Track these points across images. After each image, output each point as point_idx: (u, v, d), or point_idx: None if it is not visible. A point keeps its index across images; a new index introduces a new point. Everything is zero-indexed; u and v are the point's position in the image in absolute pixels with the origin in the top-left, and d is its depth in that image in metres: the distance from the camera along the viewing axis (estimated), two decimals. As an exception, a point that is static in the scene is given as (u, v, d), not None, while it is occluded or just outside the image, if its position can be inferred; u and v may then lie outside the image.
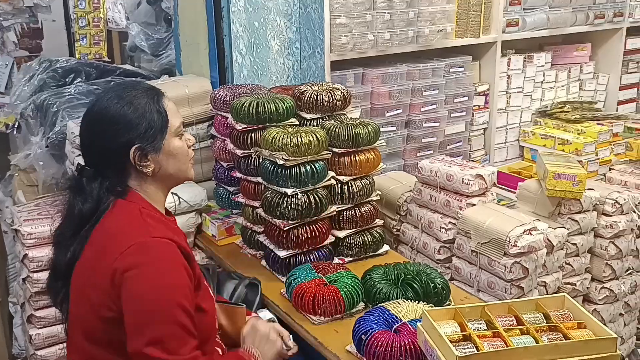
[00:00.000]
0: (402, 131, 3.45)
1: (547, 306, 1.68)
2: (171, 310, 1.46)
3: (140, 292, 1.46)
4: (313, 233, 2.33)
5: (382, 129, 2.74)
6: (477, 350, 1.48)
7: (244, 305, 1.94)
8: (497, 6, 3.67)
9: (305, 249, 2.34)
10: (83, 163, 1.66)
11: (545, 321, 1.63)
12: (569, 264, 2.91)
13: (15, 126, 3.78)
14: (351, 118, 2.59)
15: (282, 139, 2.26)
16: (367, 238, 2.51)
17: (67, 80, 3.70)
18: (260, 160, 2.42)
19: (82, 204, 1.59)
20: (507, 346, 1.49)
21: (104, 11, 4.24)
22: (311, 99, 2.55)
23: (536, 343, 1.51)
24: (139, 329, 1.45)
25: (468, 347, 1.51)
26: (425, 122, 3.48)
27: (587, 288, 3.05)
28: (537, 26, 3.91)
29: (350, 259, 2.48)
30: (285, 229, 2.29)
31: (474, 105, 3.79)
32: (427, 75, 3.49)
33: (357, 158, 2.44)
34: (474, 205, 2.64)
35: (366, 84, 3.32)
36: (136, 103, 1.59)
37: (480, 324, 1.62)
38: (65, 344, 2.58)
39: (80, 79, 3.70)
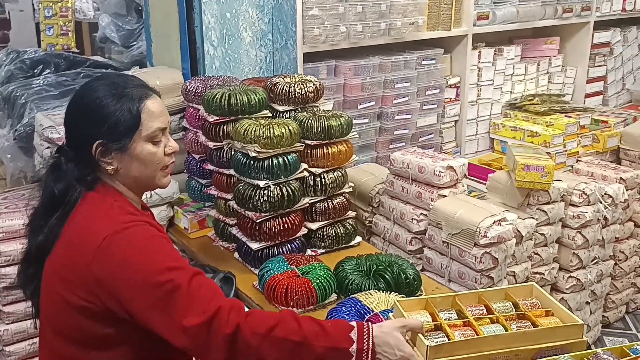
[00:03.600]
0: (374, 123, 3.47)
1: (516, 295, 1.71)
2: (169, 277, 1.42)
3: (134, 281, 1.42)
4: (286, 225, 2.33)
5: (354, 121, 2.75)
6: (448, 340, 1.50)
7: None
8: (468, -1, 3.71)
9: (277, 241, 2.35)
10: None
11: (514, 310, 1.67)
12: (537, 254, 2.97)
13: (-18, 118, 3.70)
14: (324, 110, 2.60)
15: (255, 131, 2.26)
16: (340, 230, 2.52)
17: (35, 71, 3.63)
18: (233, 153, 2.41)
19: (54, 183, 1.56)
20: (477, 335, 1.52)
21: (72, 1, 4.14)
22: (284, 90, 2.55)
23: (505, 331, 1.54)
24: (161, 312, 1.41)
25: (439, 337, 1.53)
26: (398, 115, 3.51)
27: (555, 277, 3.12)
28: (507, 19, 3.96)
29: (323, 250, 2.49)
30: (257, 221, 2.29)
31: (446, 98, 3.82)
32: (399, 68, 3.51)
33: (330, 150, 2.45)
34: (445, 196, 2.67)
35: (339, 76, 3.33)
36: (111, 98, 1.55)
37: (451, 313, 1.65)
38: (34, 340, 2.57)
39: (49, 70, 3.64)
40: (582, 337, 1.55)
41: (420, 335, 1.49)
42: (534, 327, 1.57)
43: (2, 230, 2.51)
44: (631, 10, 4.84)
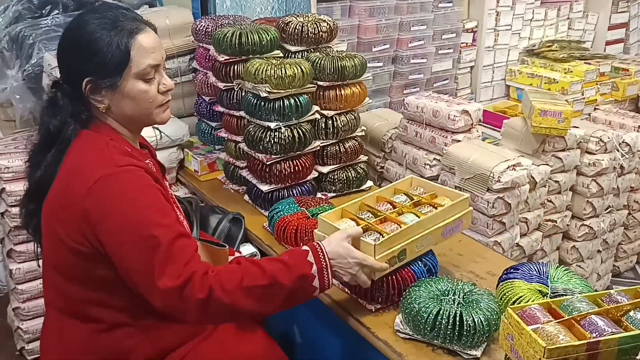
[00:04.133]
0: (388, 67, 3.40)
1: (403, 188, 1.97)
2: (153, 233, 1.40)
3: (118, 229, 1.40)
4: (296, 168, 2.30)
5: (368, 65, 2.68)
6: (382, 236, 1.66)
7: (227, 246, 1.90)
8: (488, -61, 3.58)
9: (288, 184, 2.32)
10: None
11: (410, 200, 1.90)
12: (550, 201, 2.93)
13: (-10, 60, 3.66)
14: (337, 51, 2.53)
15: (266, 70, 2.20)
16: (351, 174, 2.49)
17: (43, 12, 3.56)
18: (243, 94, 2.36)
19: (49, 119, 1.53)
20: (401, 226, 1.70)
21: (80, -61, 4.03)
22: (296, 30, 2.48)
23: (419, 218, 1.75)
24: (139, 267, 1.40)
25: (374, 235, 1.69)
26: (413, 59, 3.43)
27: (567, 225, 3.09)
28: (528, -39, 3.82)
29: (334, 194, 2.47)
30: (268, 163, 2.26)
31: (462, 43, 3.73)
32: (416, 10, 3.42)
33: (343, 92, 2.39)
34: (459, 141, 2.62)
35: (353, 17, 3.24)
36: (101, 33, 1.48)
37: (367, 215, 1.83)
38: (46, 278, 2.60)
39: (57, 11, 3.56)
40: (469, 208, 1.85)
41: (362, 238, 1.62)
42: (435, 209, 1.80)
43: (12, 170, 2.52)
44: (657, -47, 4.66)
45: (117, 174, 1.44)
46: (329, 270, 1.54)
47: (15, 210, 2.49)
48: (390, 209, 1.87)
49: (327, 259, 1.55)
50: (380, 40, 3.31)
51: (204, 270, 1.43)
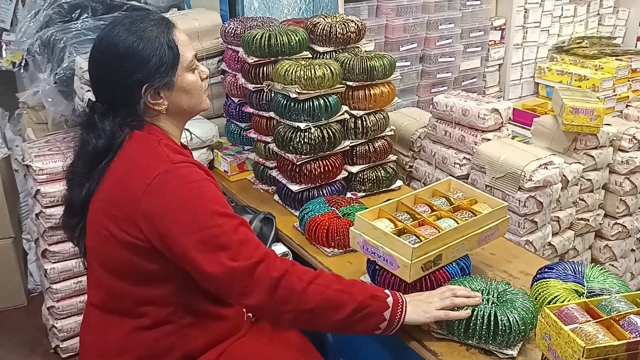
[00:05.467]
0: (416, 66, 3.39)
1: (443, 190, 1.94)
2: (217, 222, 1.43)
3: (182, 223, 1.42)
4: (326, 167, 2.31)
5: (396, 64, 2.68)
6: (420, 240, 1.66)
7: None
8: None
9: (318, 184, 2.33)
10: (94, 99, 1.61)
11: (449, 204, 1.88)
12: (582, 199, 2.89)
13: (22, 64, 3.73)
14: (366, 51, 2.53)
15: (295, 71, 2.21)
16: (381, 173, 2.48)
17: (73, 16, 3.61)
18: (273, 95, 2.37)
19: (95, 141, 1.54)
20: (440, 231, 1.69)
21: (109, -56, 4.08)
22: (324, 31, 2.48)
23: (457, 224, 1.73)
24: (205, 254, 1.42)
25: (411, 238, 1.68)
26: (440, 57, 3.41)
27: (600, 224, 3.04)
28: (557, -43, 3.77)
29: (363, 194, 2.47)
30: (298, 163, 2.27)
31: (490, 40, 3.70)
32: (443, 8, 3.40)
33: (372, 92, 2.39)
34: (489, 140, 2.60)
35: (380, 16, 3.24)
36: (146, 38, 1.51)
37: (404, 216, 1.81)
38: (80, 278, 2.64)
39: (86, 15, 3.62)
40: (506, 216, 1.84)
41: (400, 239, 1.64)
42: (474, 215, 1.79)
43: (46, 172, 2.56)
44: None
45: (175, 170, 1.47)
46: (404, 307, 1.54)
47: (50, 211, 2.54)
48: (429, 211, 1.85)
49: (404, 298, 1.56)
50: (408, 39, 3.29)
51: (275, 254, 1.49)
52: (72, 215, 1.65)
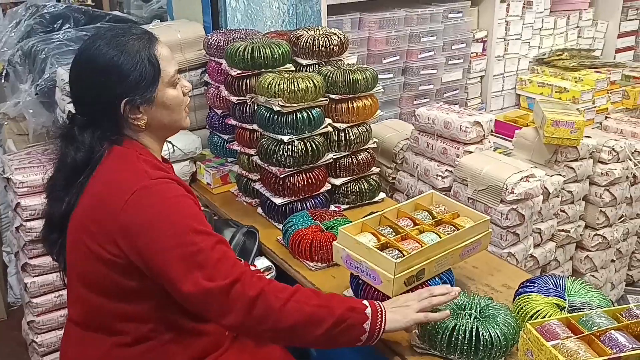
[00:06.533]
0: (398, 78, 3.40)
1: (425, 204, 1.96)
2: (194, 239, 1.42)
3: (159, 239, 1.41)
4: (309, 180, 2.31)
5: (379, 76, 2.69)
6: (402, 254, 1.67)
7: (242, 260, 1.90)
8: (497, -51, 3.58)
9: (301, 197, 2.33)
10: (74, 111, 1.60)
11: (431, 218, 1.89)
12: (563, 211, 2.92)
13: (3, 74, 3.69)
14: (348, 64, 2.54)
15: (279, 84, 2.21)
16: (364, 186, 2.49)
17: (55, 26, 3.59)
18: (256, 107, 2.37)
19: (74, 153, 1.53)
20: (422, 245, 1.70)
21: (90, -46, 4.08)
22: (307, 44, 2.49)
23: (440, 238, 1.74)
24: (181, 272, 1.40)
25: (393, 253, 1.68)
26: (423, 69, 3.43)
27: (581, 235, 3.07)
28: (537, -30, 3.83)
29: (347, 206, 2.47)
30: (281, 176, 2.27)
31: (472, 53, 3.73)
32: (425, 21, 3.42)
33: (355, 105, 2.40)
34: (471, 152, 2.62)
35: (363, 29, 3.25)
36: (126, 52, 1.50)
37: (387, 230, 1.81)
38: (60, 292, 2.61)
39: (68, 25, 3.59)
40: (488, 230, 1.85)
41: (382, 254, 1.64)
42: (456, 229, 1.80)
43: (26, 184, 2.53)
44: (667, -39, 4.66)
45: (153, 186, 1.46)
46: (384, 316, 1.53)
47: (31, 224, 2.51)
48: (411, 225, 1.86)
49: (382, 306, 1.55)
50: (390, 51, 3.31)
51: (252, 272, 1.47)
52: (52, 230, 1.64)
